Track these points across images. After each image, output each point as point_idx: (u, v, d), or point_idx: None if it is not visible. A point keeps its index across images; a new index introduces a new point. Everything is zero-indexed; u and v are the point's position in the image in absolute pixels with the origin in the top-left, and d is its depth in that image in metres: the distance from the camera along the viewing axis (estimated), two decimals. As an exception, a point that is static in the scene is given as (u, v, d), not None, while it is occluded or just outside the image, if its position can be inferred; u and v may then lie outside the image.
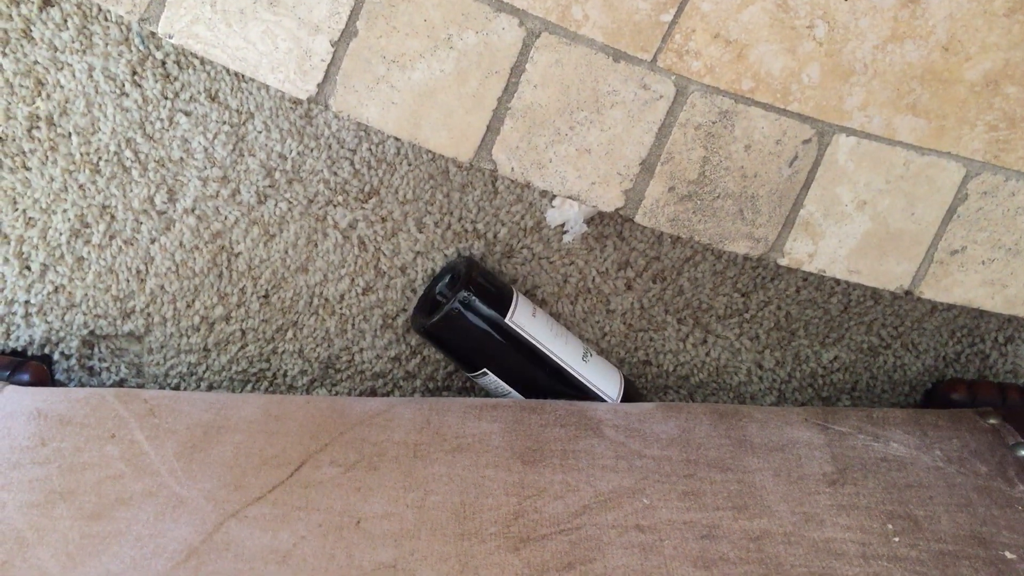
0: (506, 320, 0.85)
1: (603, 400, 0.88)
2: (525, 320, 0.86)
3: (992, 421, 0.83)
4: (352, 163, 0.88)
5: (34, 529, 0.65)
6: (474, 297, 0.84)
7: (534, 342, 0.86)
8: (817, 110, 0.73)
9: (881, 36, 0.71)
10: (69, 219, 0.87)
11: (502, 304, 0.86)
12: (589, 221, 0.91)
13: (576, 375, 0.88)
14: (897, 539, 0.70)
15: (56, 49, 0.83)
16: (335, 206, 0.90)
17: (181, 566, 0.63)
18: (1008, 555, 0.69)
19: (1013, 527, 0.71)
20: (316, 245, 0.91)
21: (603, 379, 0.89)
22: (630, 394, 0.91)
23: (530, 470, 0.74)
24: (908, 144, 0.74)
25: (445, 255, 0.92)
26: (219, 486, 0.70)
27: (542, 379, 0.87)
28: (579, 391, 0.88)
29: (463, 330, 0.85)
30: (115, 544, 0.64)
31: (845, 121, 0.73)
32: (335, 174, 0.89)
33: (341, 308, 0.93)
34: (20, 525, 0.65)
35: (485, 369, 0.87)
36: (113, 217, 0.88)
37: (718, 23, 0.70)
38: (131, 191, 0.87)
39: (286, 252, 0.91)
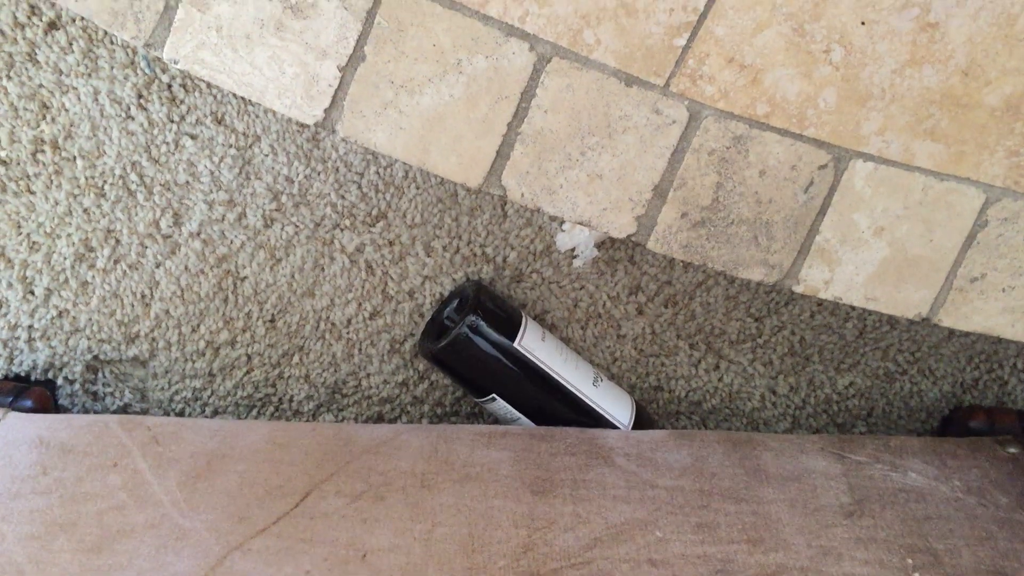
0: (515, 344, 0.84)
1: (615, 425, 0.87)
2: (534, 344, 0.85)
3: (1012, 450, 0.81)
4: (359, 186, 0.87)
5: (34, 562, 0.64)
6: (482, 321, 0.83)
7: (543, 367, 0.85)
8: (833, 135, 0.71)
9: (899, 60, 0.69)
10: (73, 243, 0.86)
11: (511, 328, 0.84)
12: (600, 245, 0.90)
13: (586, 400, 0.86)
14: (917, 574, 0.68)
15: (61, 72, 0.82)
16: (342, 230, 0.89)
17: (183, 602, 0.62)
18: (1031, 591, 0.67)
19: (1035, 562, 0.70)
20: (323, 269, 0.90)
21: (614, 404, 0.88)
22: (642, 419, 0.90)
23: (540, 501, 0.72)
24: (926, 170, 0.73)
25: (453, 279, 0.91)
26: (223, 517, 0.69)
27: (552, 404, 0.86)
28: (590, 416, 0.86)
29: (471, 355, 0.84)
30: (116, 579, 0.63)
31: (862, 146, 0.72)
32: (342, 197, 0.88)
33: (348, 333, 0.92)
34: (19, 558, 0.64)
35: (494, 394, 0.85)
36: (118, 241, 0.87)
37: (733, 47, 0.69)
38: (136, 215, 0.86)
39: (292, 276, 0.90)
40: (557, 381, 0.85)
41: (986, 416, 0.93)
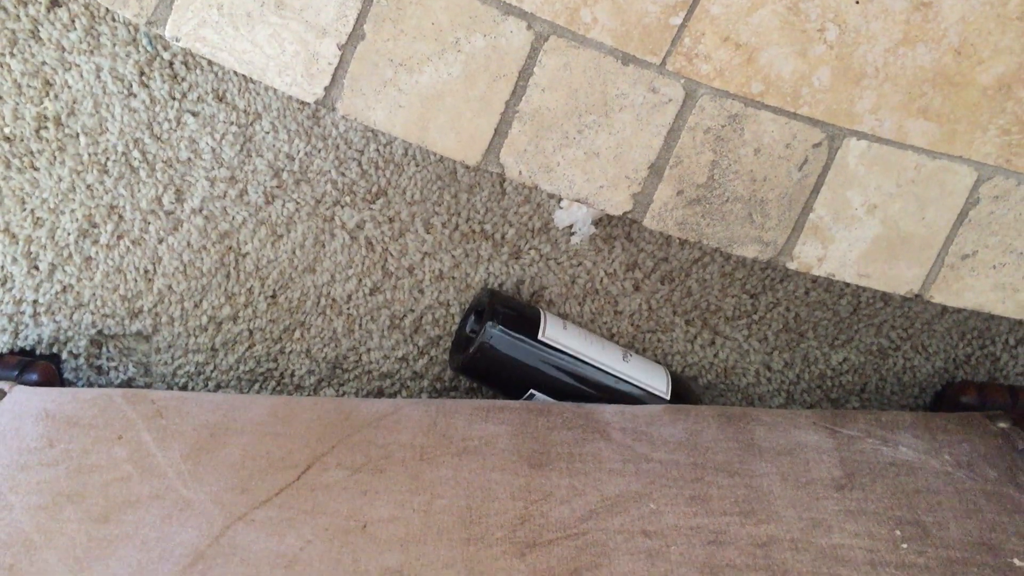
0: (539, 337, 0.85)
1: (654, 395, 0.88)
2: (558, 333, 0.87)
3: (1002, 425, 0.82)
4: (360, 164, 0.88)
5: (41, 532, 0.65)
6: (502, 323, 0.85)
7: (572, 352, 0.86)
8: (827, 114, 0.72)
9: (893, 39, 0.70)
10: (77, 219, 0.87)
11: (531, 324, 0.87)
12: (597, 222, 0.90)
13: (621, 375, 0.88)
14: (905, 546, 0.69)
15: (64, 49, 0.83)
16: (342, 207, 0.89)
17: (188, 570, 0.63)
18: (1017, 562, 0.68)
19: (1022, 534, 0.71)
20: (323, 245, 0.91)
21: (648, 375, 0.89)
22: (679, 386, 0.91)
23: (537, 474, 0.74)
24: (919, 148, 0.73)
25: (453, 256, 0.92)
26: (226, 489, 0.70)
27: (588, 385, 0.87)
28: (629, 388, 0.88)
29: (500, 357, 0.86)
30: (122, 548, 0.65)
31: (856, 125, 0.73)
32: (343, 175, 0.88)
33: (348, 308, 0.93)
34: (27, 528, 0.66)
35: (532, 391, 0.87)
36: (121, 217, 0.88)
37: (728, 26, 0.69)
38: (139, 191, 0.87)
39: (293, 252, 0.91)
40: (588, 363, 0.87)
41: (977, 392, 0.94)
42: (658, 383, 0.89)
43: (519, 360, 0.86)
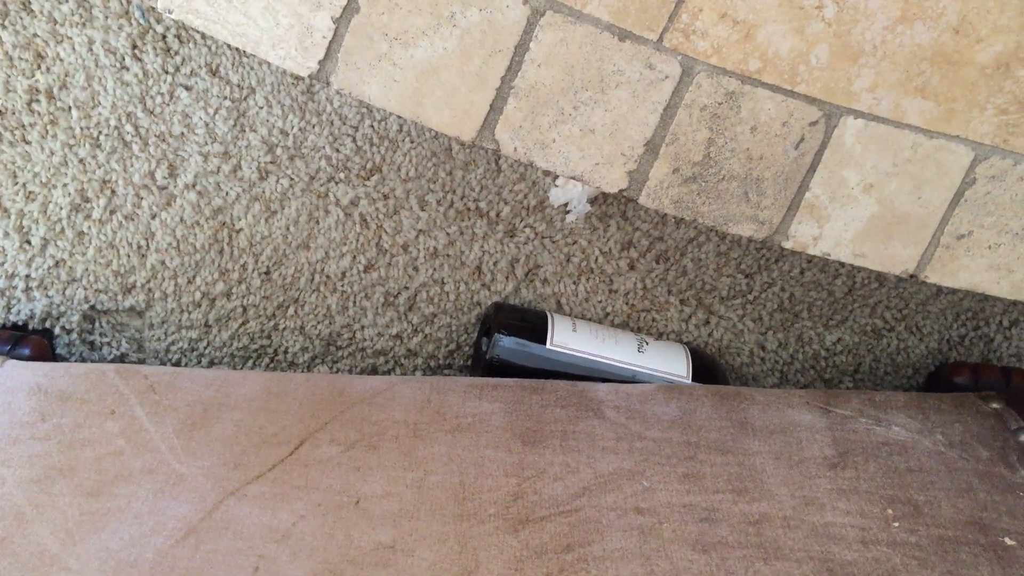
0: (548, 346, 0.86)
1: (676, 383, 0.88)
2: (567, 338, 0.87)
3: (995, 405, 0.82)
4: (354, 140, 0.88)
5: (33, 505, 0.65)
6: (508, 338, 0.86)
7: (583, 355, 0.87)
8: (825, 92, 0.72)
9: (891, 17, 0.69)
10: (69, 193, 0.87)
11: (539, 333, 0.87)
12: (593, 201, 0.90)
13: (637, 368, 0.88)
14: (897, 524, 0.70)
15: (56, 22, 0.82)
16: (337, 183, 0.89)
17: (180, 544, 0.63)
18: (1008, 541, 0.69)
19: (1014, 513, 0.71)
20: (318, 222, 0.90)
21: (665, 362, 0.89)
22: (700, 365, 0.91)
23: (530, 451, 0.74)
24: (916, 127, 0.73)
25: (447, 233, 0.91)
26: (218, 464, 0.70)
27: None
28: (646, 382, 0.87)
29: (512, 368, 0.86)
30: (114, 521, 0.65)
31: (853, 103, 0.72)
32: (337, 151, 0.88)
33: (342, 285, 0.93)
34: (19, 501, 0.65)
35: None
36: (114, 192, 0.87)
37: (726, 2, 0.69)
38: (132, 166, 0.87)
39: (287, 229, 0.90)
40: (602, 363, 0.87)
41: (971, 372, 0.95)
42: (677, 368, 0.89)
43: (532, 368, 0.86)
